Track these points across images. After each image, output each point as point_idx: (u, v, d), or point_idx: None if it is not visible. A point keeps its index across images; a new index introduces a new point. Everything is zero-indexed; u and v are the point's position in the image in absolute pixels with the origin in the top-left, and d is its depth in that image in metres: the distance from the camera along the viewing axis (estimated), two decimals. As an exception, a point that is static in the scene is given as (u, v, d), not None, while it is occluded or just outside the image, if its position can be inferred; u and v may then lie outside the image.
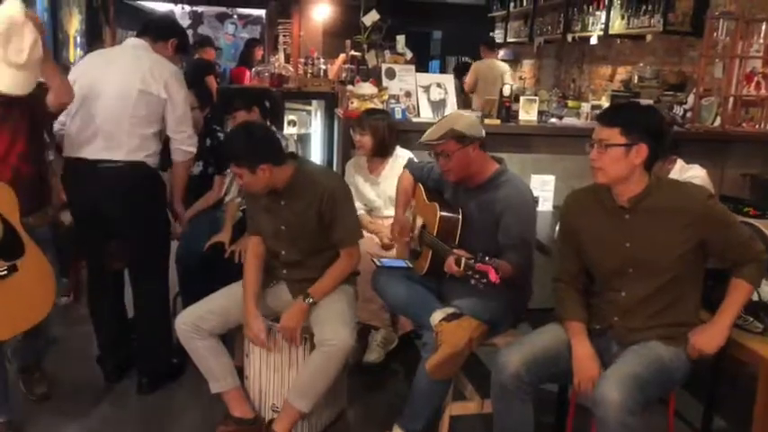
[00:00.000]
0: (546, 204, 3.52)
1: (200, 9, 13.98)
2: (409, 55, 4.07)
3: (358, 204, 3.41)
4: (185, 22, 14.10)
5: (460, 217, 2.53)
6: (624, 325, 2.11)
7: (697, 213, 1.98)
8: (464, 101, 4.84)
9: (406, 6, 9.63)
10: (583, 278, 2.24)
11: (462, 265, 2.16)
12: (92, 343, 3.01)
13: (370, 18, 3.97)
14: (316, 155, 4.08)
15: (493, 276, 2.09)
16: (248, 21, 13.71)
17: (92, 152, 2.67)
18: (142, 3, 12.76)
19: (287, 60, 5.83)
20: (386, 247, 3.21)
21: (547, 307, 2.38)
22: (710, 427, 2.73)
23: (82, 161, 2.68)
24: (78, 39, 10.11)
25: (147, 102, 2.70)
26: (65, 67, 7.80)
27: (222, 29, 14.14)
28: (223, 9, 13.76)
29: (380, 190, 3.38)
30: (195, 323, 2.46)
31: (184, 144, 2.86)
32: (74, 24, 9.91)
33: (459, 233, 2.52)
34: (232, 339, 2.82)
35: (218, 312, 2.51)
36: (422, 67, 6.76)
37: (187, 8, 13.88)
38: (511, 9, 8.95)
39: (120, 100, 2.67)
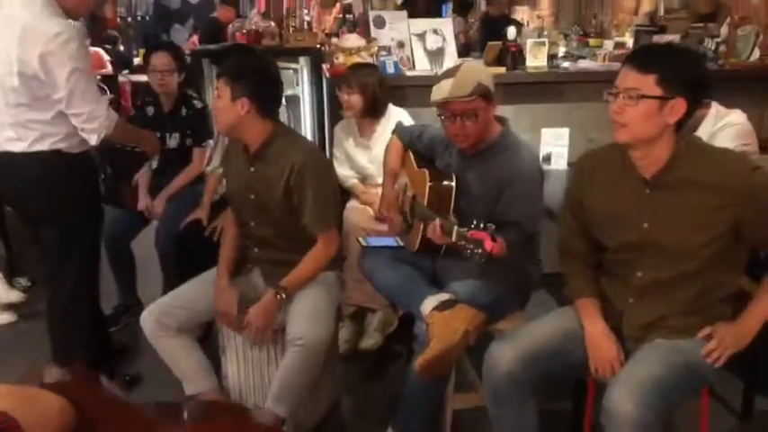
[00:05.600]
0: (560, 162, 3.15)
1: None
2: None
3: (349, 172, 3.10)
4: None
5: (454, 184, 2.20)
6: (640, 310, 1.78)
7: (736, 192, 1.61)
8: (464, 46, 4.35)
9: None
10: (594, 253, 1.91)
11: (454, 234, 1.86)
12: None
13: (356, -41, 3.56)
14: (305, 118, 3.74)
15: (488, 245, 1.79)
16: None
17: (1, 144, 2.31)
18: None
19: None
20: (380, 220, 2.88)
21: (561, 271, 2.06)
22: (751, 409, 2.42)
23: None
24: (76, 4, 9.77)
25: (28, 85, 2.18)
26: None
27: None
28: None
29: (373, 155, 3.04)
30: (160, 319, 2.21)
31: (86, 127, 2.25)
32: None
33: (453, 203, 2.19)
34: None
35: (186, 305, 2.25)
36: (437, 13, 6.29)
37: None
38: (525, -58, 8.34)
39: (2, 85, 2.22)
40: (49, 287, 2.58)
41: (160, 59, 3.10)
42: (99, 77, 7.44)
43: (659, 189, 1.69)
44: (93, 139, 2.28)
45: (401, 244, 2.36)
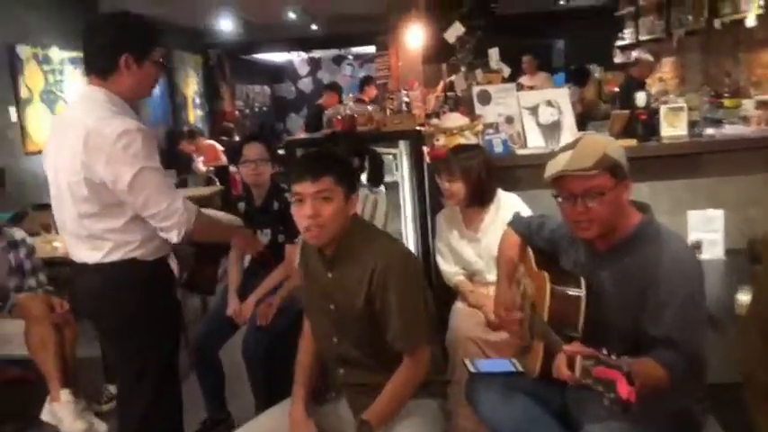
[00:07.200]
0: (714, 250, 2.55)
1: (317, 55, 14.05)
2: (506, 71, 3.29)
3: (455, 268, 2.70)
4: (304, 70, 14.26)
5: (583, 293, 1.73)
6: None
7: None
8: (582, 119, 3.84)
9: (521, 19, 8.90)
10: None
11: (577, 370, 1.40)
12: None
13: (454, 33, 3.25)
14: (405, 207, 3.42)
15: (623, 389, 1.29)
16: (365, 60, 13.54)
17: (75, 254, 2.15)
18: (258, 56, 12.98)
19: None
20: (493, 327, 2.43)
21: (730, 382, 1.54)
22: None
23: (72, 264, 2.19)
24: (197, 99, 10.35)
25: (97, 193, 1.99)
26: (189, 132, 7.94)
27: (340, 71, 14.11)
28: (338, 51, 13.71)
29: (481, 248, 2.63)
30: (235, 457, 1.87)
31: (164, 225, 2.04)
32: (190, 85, 10.14)
33: (581, 316, 1.72)
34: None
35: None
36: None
37: (304, 55, 14.00)
38: (640, 3, 7.87)
39: (72, 195, 2.04)
40: (122, 405, 2.34)
41: (252, 150, 2.93)
42: (212, 169, 7.70)
43: None
44: (174, 237, 2.04)
45: (519, 369, 1.90)
